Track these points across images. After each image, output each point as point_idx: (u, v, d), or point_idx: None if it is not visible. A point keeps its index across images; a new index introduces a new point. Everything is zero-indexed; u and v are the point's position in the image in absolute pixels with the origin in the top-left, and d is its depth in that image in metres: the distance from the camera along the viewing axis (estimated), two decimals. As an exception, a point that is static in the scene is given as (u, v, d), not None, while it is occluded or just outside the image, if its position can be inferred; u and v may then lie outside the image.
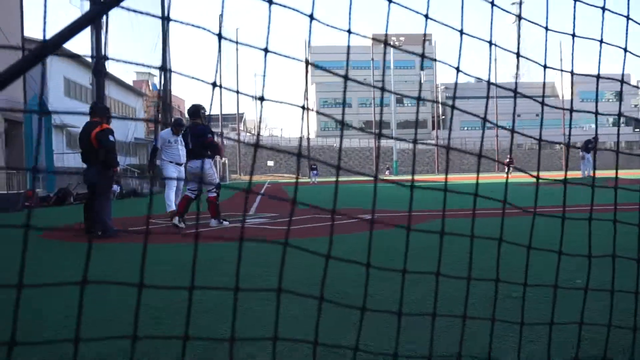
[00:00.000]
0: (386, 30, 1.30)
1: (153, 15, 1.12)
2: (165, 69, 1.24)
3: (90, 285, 0.92)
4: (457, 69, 1.49)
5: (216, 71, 1.19)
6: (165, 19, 1.08)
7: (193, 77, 1.12)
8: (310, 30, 1.16)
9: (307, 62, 1.22)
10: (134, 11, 1.11)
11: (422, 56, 1.34)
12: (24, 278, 0.91)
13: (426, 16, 1.38)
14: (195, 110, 8.15)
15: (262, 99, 1.18)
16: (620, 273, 1.92)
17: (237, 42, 1.22)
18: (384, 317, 2.45)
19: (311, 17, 1.19)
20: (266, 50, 1.11)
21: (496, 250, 1.59)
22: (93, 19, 1.05)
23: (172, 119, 9.66)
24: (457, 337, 2.32)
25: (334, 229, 7.38)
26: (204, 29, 1.13)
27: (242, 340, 2.36)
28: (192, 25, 1.12)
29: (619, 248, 1.86)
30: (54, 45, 1.03)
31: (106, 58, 15.62)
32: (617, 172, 1.83)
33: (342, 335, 2.44)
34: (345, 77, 1.24)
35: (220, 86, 1.18)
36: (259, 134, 1.33)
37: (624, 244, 2.04)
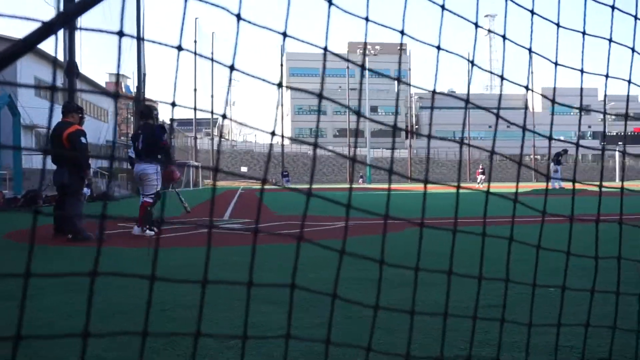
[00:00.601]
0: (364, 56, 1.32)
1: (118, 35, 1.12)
2: (139, 88, 1.24)
3: (69, 289, 0.91)
4: (433, 92, 1.52)
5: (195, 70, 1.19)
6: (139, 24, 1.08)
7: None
8: (283, 49, 1.17)
9: (280, 84, 1.23)
10: (103, 31, 1.10)
11: (399, 80, 1.37)
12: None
13: (402, 32, 1.41)
14: (149, 110, 7.61)
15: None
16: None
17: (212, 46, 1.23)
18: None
19: (284, 34, 1.20)
20: (232, 68, 1.12)
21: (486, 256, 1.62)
22: (66, 22, 1.03)
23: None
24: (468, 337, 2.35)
25: (312, 234, 7.40)
26: (177, 47, 1.13)
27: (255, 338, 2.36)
28: (165, 45, 1.12)
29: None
30: (27, 46, 1.01)
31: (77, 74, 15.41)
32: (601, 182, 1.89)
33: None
34: (320, 96, 1.26)
35: (195, 89, 1.18)
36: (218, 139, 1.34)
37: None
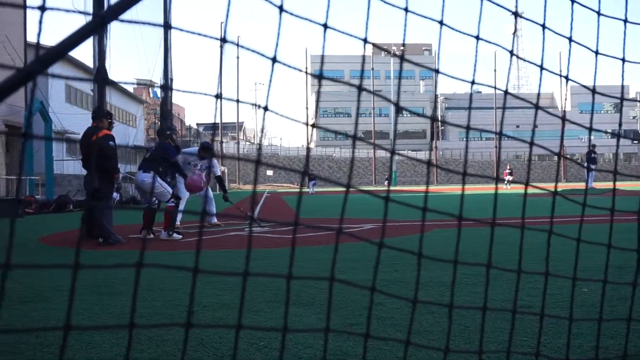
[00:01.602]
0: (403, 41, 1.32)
1: (154, 24, 1.14)
2: (167, 87, 1.26)
3: (100, 292, 0.93)
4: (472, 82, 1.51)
5: (219, 78, 1.21)
6: (167, 27, 1.10)
7: (194, 92, 1.14)
8: (324, 41, 1.18)
9: (317, 76, 1.23)
10: (136, 22, 1.12)
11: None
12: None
13: (441, 22, 1.41)
14: (164, 130, 8.22)
15: (265, 108, 1.20)
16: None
17: (237, 45, 1.24)
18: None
19: (325, 25, 1.21)
20: (274, 60, 1.13)
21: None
22: (89, 33, 1.04)
23: (199, 142, 9.97)
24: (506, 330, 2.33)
25: (336, 238, 7.39)
26: (205, 35, 1.15)
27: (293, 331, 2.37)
28: (193, 33, 1.14)
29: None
30: (45, 63, 1.01)
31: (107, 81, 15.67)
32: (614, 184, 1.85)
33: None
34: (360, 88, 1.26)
35: (221, 96, 1.20)
36: (260, 146, 1.35)
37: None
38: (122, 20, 1.09)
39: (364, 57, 1.54)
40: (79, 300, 3.35)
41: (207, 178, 9.17)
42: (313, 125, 1.21)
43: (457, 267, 1.38)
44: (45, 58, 1.00)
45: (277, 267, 4.80)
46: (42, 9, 0.92)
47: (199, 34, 1.13)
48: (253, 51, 1.16)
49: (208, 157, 9.06)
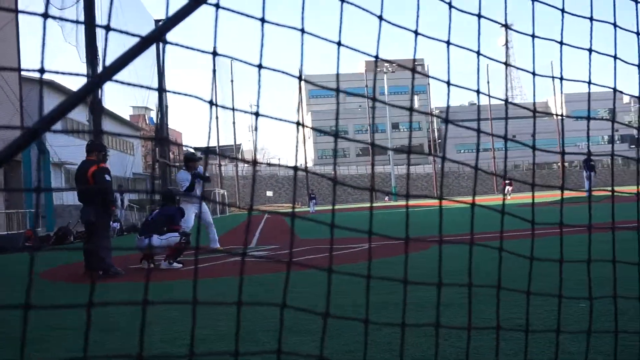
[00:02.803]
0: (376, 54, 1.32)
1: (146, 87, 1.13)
2: (161, 103, 1.26)
3: (92, 330, 0.92)
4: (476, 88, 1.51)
5: (213, 85, 1.20)
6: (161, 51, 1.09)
7: (188, 94, 1.13)
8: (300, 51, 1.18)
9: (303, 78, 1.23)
10: (129, 84, 1.12)
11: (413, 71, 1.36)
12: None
13: (416, 32, 1.41)
14: (170, 194, 8.28)
15: (257, 114, 1.20)
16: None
17: (231, 58, 1.24)
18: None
19: (302, 30, 1.21)
20: (260, 66, 1.13)
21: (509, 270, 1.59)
22: (84, 96, 1.06)
23: (184, 154, 9.90)
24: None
25: (338, 258, 7.36)
26: (198, 49, 1.15)
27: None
28: (187, 48, 1.14)
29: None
30: (49, 122, 1.05)
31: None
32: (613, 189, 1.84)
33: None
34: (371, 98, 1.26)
35: (216, 104, 1.19)
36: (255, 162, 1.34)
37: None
38: (117, 81, 1.10)
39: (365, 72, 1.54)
40: (76, 339, 3.31)
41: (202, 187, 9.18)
42: (298, 124, 1.20)
43: (451, 286, 1.36)
44: (49, 118, 1.03)
45: (275, 293, 4.76)
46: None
47: (192, 48, 1.13)
48: (245, 62, 1.16)
49: (196, 165, 9.05)
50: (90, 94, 1.01)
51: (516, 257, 1.60)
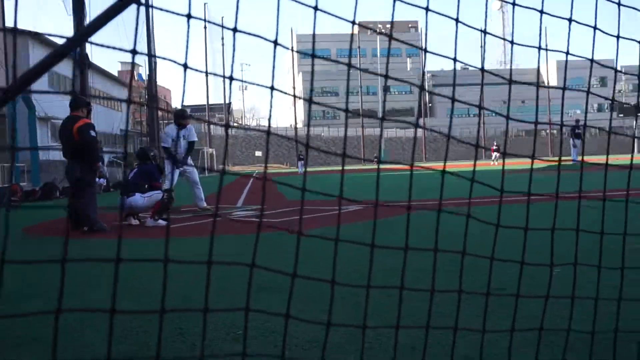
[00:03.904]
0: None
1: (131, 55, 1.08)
2: (150, 55, 1.22)
3: (73, 285, 0.90)
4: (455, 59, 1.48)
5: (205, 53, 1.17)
6: (149, 6, 1.05)
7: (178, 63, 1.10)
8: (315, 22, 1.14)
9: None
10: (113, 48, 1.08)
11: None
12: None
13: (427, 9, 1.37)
14: (144, 153, 8.04)
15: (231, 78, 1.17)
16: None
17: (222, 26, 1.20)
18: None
19: (316, 8, 1.17)
20: (235, 30, 1.09)
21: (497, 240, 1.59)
22: (58, 59, 1.02)
23: (175, 110, 9.75)
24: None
25: (326, 220, 7.39)
26: (192, 16, 1.10)
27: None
28: (167, 11, 1.09)
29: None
30: (21, 86, 1.00)
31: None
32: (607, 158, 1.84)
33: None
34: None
35: (207, 72, 1.16)
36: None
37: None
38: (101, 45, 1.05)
39: (352, 35, 1.50)
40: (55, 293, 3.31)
41: (189, 146, 9.15)
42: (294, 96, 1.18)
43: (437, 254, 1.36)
44: (23, 79, 0.99)
45: (260, 253, 4.78)
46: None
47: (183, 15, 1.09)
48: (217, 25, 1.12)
49: (187, 123, 9.02)
50: (63, 58, 0.98)
51: (489, 225, 1.60)
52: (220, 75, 1.21)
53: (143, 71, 51.07)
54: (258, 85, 1.17)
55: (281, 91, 1.24)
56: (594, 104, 78.17)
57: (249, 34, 1.15)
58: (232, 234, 5.85)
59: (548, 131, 69.68)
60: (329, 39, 76.44)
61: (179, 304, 2.88)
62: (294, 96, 1.51)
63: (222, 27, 1.18)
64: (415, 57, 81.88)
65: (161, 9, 1.06)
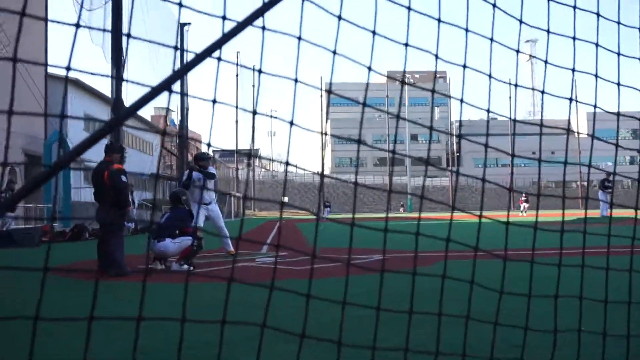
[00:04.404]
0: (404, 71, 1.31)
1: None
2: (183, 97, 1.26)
3: (98, 327, 0.91)
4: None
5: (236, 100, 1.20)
6: (181, 49, 1.10)
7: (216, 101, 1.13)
8: (332, 69, 1.17)
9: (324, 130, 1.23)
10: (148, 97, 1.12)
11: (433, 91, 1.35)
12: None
13: (436, 56, 1.39)
14: (176, 196, 8.00)
15: (291, 122, 1.19)
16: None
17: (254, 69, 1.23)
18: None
19: (334, 52, 1.20)
20: (260, 71, 1.12)
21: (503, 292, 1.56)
22: (101, 137, 1.09)
23: (194, 153, 9.87)
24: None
25: (339, 271, 7.32)
26: (223, 60, 1.14)
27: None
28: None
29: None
30: (70, 158, 1.07)
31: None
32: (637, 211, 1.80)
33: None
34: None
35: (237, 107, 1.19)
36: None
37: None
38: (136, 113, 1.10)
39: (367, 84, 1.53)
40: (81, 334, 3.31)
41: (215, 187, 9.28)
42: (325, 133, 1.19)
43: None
44: (71, 154, 1.06)
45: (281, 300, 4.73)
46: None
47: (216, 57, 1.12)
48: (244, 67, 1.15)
49: (206, 165, 9.12)
50: (106, 135, 1.06)
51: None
52: (248, 110, 1.24)
53: (175, 116, 52.32)
54: (279, 119, 1.19)
55: (304, 128, 1.26)
56: (626, 156, 76.94)
57: (273, 74, 1.18)
58: (257, 280, 5.83)
59: (578, 183, 68.55)
60: (357, 87, 77.54)
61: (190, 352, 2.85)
62: (323, 133, 1.52)
63: (253, 69, 1.22)
64: (443, 106, 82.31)
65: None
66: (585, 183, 70.55)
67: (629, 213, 1.75)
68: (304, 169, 1.28)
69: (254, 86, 60.54)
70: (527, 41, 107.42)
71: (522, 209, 35.85)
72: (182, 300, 1.10)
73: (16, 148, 21.70)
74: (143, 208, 30.43)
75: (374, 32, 1.28)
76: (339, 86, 79.61)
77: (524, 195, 35.60)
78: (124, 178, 6.91)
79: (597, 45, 1.73)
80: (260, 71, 1.13)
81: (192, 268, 7.31)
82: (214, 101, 1.12)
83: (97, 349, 2.96)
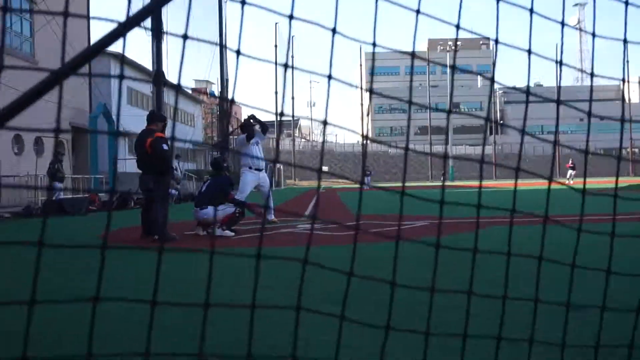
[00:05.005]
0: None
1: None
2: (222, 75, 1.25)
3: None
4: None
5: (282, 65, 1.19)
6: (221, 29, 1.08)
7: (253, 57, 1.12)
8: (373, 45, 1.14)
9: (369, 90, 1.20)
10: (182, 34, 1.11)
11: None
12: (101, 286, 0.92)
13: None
14: (218, 164, 8.00)
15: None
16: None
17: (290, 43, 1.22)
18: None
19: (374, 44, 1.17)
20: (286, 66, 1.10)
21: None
22: (112, 40, 1.07)
23: (244, 120, 9.75)
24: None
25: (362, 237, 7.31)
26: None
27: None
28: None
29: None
30: (74, 67, 1.05)
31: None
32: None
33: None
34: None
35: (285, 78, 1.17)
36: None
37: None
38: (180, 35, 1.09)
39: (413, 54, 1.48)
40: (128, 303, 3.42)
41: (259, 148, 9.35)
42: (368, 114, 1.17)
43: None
44: (74, 62, 1.03)
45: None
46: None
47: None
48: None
49: (253, 128, 9.15)
50: (115, 39, 1.03)
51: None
52: (287, 65, 1.23)
53: (215, 88, 52.67)
54: (315, 73, 1.17)
55: (342, 81, 1.24)
56: (680, 122, 73.56)
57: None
58: (291, 246, 5.91)
59: (629, 149, 66.23)
60: (398, 56, 76.24)
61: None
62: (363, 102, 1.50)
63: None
64: (486, 73, 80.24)
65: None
66: (637, 149, 68.18)
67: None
68: (348, 129, 1.26)
69: (292, 57, 60.34)
70: (575, 5, 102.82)
71: (568, 175, 34.85)
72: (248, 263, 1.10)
73: (63, 120, 22.29)
74: (185, 178, 30.96)
75: (417, 11, 1.24)
76: (377, 55, 78.51)
77: (571, 161, 34.43)
78: (165, 146, 7.03)
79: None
80: (291, 17, 1.11)
81: (234, 234, 7.44)
82: (238, 52, 1.10)
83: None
